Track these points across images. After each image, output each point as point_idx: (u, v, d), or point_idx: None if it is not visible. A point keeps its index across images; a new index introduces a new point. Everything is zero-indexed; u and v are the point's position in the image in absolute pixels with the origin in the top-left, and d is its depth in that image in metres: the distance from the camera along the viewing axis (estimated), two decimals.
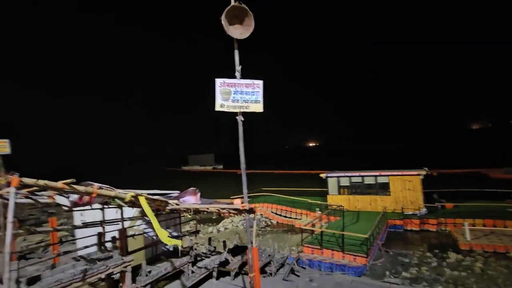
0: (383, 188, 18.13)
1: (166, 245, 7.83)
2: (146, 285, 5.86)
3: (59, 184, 3.37)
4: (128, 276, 5.47)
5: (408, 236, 15.38)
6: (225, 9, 4.47)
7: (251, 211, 5.45)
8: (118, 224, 6.30)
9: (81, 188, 3.72)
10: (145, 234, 7.79)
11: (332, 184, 19.79)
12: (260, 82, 4.81)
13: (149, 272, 6.07)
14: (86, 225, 6.43)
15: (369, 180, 18.61)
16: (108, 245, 6.27)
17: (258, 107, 4.82)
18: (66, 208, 4.10)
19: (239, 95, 4.67)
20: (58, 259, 6.58)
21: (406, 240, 14.78)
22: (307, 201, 20.51)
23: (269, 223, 20.26)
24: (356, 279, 8.95)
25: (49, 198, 4.76)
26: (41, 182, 3.26)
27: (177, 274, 6.86)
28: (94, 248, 6.22)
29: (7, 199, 3.31)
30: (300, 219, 19.60)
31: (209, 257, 8.13)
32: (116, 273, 5.95)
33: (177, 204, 5.46)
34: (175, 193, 8.36)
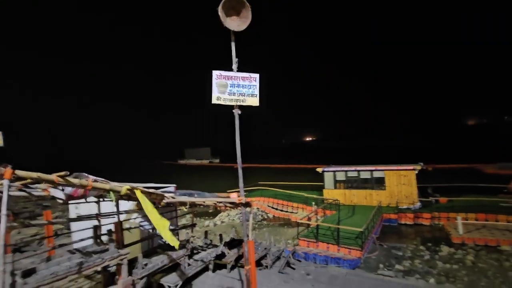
0: (379, 183, 18.30)
1: (162, 238, 7.85)
2: (143, 277, 5.88)
3: (53, 176, 3.33)
4: (124, 268, 5.48)
5: (402, 230, 15.60)
6: (222, 0, 4.40)
7: (247, 204, 5.46)
8: (114, 217, 6.29)
9: (75, 180, 3.69)
10: (141, 227, 7.80)
11: (328, 178, 19.92)
12: (256, 76, 4.77)
13: (145, 265, 6.09)
14: (81, 218, 6.42)
15: (365, 175, 18.76)
16: (104, 238, 6.27)
17: (255, 101, 4.79)
18: (60, 201, 4.07)
19: (235, 88, 4.63)
20: (53, 252, 6.57)
21: (400, 234, 15.00)
22: (303, 195, 20.65)
23: (266, 217, 20.40)
24: (351, 271, 9.09)
25: (44, 191, 4.74)
26: (34, 174, 3.22)
27: (173, 267, 6.89)
28: (90, 241, 6.22)
29: (0, 192, 3.28)
30: (296, 213, 19.76)
31: (205, 250, 8.17)
32: (112, 266, 5.97)
33: (173, 198, 5.45)
34: (171, 186, 8.35)
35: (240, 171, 4.87)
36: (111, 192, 4.09)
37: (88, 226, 6.37)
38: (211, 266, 7.48)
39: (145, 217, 7.24)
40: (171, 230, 8.10)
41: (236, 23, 4.41)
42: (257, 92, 4.79)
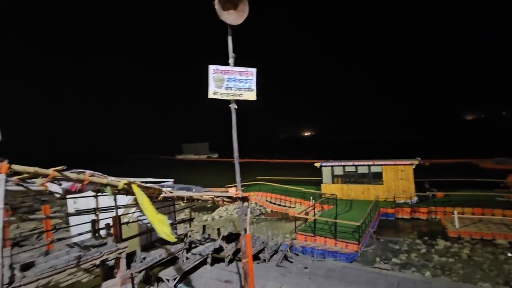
0: (376, 177, 18.39)
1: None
2: (141, 271, 5.94)
3: (50, 171, 3.34)
4: (123, 262, 5.53)
5: (399, 224, 15.74)
6: None
7: (244, 199, 5.49)
8: (112, 211, 6.32)
9: (72, 175, 3.70)
10: (139, 222, 7.84)
11: (326, 173, 19.99)
12: (253, 70, 4.75)
13: (144, 258, 6.14)
14: (79, 212, 6.44)
15: (362, 170, 18.83)
16: (102, 232, 6.30)
17: (252, 95, 4.77)
18: (58, 196, 4.08)
19: (232, 82, 4.61)
20: (52, 246, 6.61)
21: (397, 228, 15.13)
22: (301, 190, 20.75)
23: (264, 211, 20.51)
24: (348, 265, 9.20)
25: (42, 185, 4.74)
26: (31, 169, 3.23)
27: (171, 261, 6.95)
28: (88, 235, 6.25)
29: None
30: (294, 207, 19.87)
31: (203, 244, 8.23)
32: (111, 260, 6.01)
33: (170, 192, 5.47)
34: (169, 181, 8.38)
35: (237, 166, 4.89)
36: (107, 187, 4.10)
37: (86, 220, 6.40)
38: (209, 260, 7.54)
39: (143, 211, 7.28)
40: (170, 224, 8.16)
41: (233, 17, 4.37)
42: (254, 86, 4.77)
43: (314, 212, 14.63)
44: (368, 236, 12.82)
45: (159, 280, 6.25)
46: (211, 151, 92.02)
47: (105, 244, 5.56)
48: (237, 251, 7.96)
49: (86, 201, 6.99)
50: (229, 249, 7.92)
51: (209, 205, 21.41)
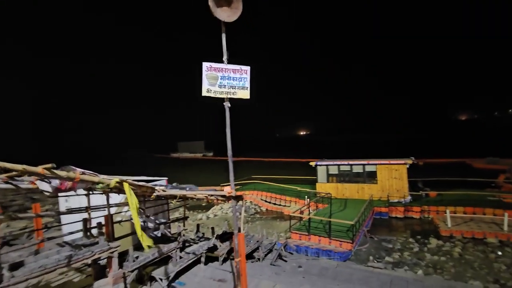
0: (371, 177, 18.52)
1: (154, 231, 7.84)
2: (133, 270, 5.88)
3: (39, 169, 3.26)
4: (115, 261, 5.47)
5: (393, 223, 15.89)
6: None
7: (238, 198, 5.47)
8: (104, 210, 6.24)
9: (62, 173, 3.62)
10: (132, 221, 7.76)
11: (321, 172, 20.07)
12: (247, 68, 4.71)
13: (136, 257, 6.07)
14: (71, 211, 6.35)
15: (357, 169, 18.95)
16: (94, 231, 6.23)
17: (246, 94, 4.74)
18: (47, 194, 4.01)
19: (226, 80, 4.57)
20: (42, 245, 6.50)
21: (390, 227, 15.27)
22: (296, 189, 20.80)
23: (259, 210, 20.51)
24: (341, 263, 9.25)
25: (31, 183, 4.65)
26: (19, 166, 3.15)
27: (165, 260, 6.90)
28: (80, 234, 6.17)
29: None
30: (289, 206, 19.91)
31: (197, 243, 8.18)
32: (103, 259, 5.94)
33: (163, 191, 5.42)
34: (163, 179, 8.31)
35: (230, 164, 4.86)
36: (99, 185, 4.03)
37: (78, 219, 6.31)
38: (203, 259, 7.50)
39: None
40: (163, 223, 8.11)
41: (227, 14, 4.33)
42: (248, 84, 4.74)
43: (309, 211, 14.68)
44: (362, 235, 12.91)
45: (152, 279, 6.20)
46: (206, 150, 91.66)
47: (97, 243, 5.49)
48: (231, 250, 7.94)
49: (78, 200, 6.89)
50: (223, 248, 7.89)
51: (203, 204, 21.32)
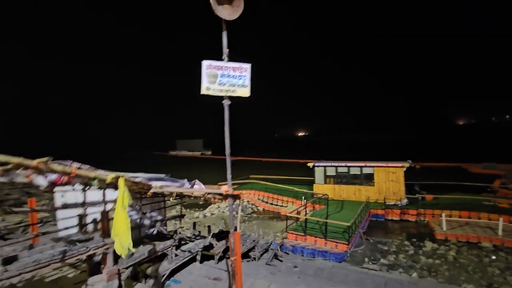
0: (368, 179, 18.57)
1: (150, 228, 7.82)
2: (128, 267, 5.86)
3: (34, 162, 3.23)
4: (110, 258, 5.44)
5: (389, 225, 15.94)
6: None
7: (235, 197, 5.46)
8: (101, 206, 6.20)
9: (58, 167, 3.59)
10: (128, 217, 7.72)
11: (318, 173, 20.10)
12: (248, 66, 4.70)
13: (132, 254, 6.05)
14: (66, 206, 6.31)
15: (354, 171, 18.99)
16: (90, 227, 6.19)
17: (245, 92, 4.73)
18: (42, 189, 3.98)
19: (226, 78, 4.56)
20: (37, 239, 6.46)
21: (386, 229, 15.33)
22: (293, 189, 20.82)
23: (256, 210, 20.51)
24: (337, 264, 9.27)
25: (26, 177, 4.62)
26: (15, 159, 3.12)
27: (160, 257, 6.88)
28: (75, 230, 6.14)
29: None
30: (286, 206, 19.93)
31: (193, 241, 8.17)
32: (97, 255, 5.91)
33: (160, 188, 5.39)
34: (162, 175, 8.26)
35: (228, 163, 4.84)
36: (95, 180, 4.01)
37: (74, 214, 6.27)
38: (198, 257, 7.49)
39: (132, 206, 7.18)
40: (160, 220, 8.08)
41: (228, 12, 4.32)
42: (248, 82, 4.72)
43: (306, 211, 14.69)
44: (357, 237, 12.94)
45: (147, 276, 6.18)
46: (205, 148, 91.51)
47: (92, 239, 5.47)
48: (227, 249, 7.92)
49: (74, 195, 6.85)
50: (219, 246, 7.88)
51: (200, 202, 21.28)
